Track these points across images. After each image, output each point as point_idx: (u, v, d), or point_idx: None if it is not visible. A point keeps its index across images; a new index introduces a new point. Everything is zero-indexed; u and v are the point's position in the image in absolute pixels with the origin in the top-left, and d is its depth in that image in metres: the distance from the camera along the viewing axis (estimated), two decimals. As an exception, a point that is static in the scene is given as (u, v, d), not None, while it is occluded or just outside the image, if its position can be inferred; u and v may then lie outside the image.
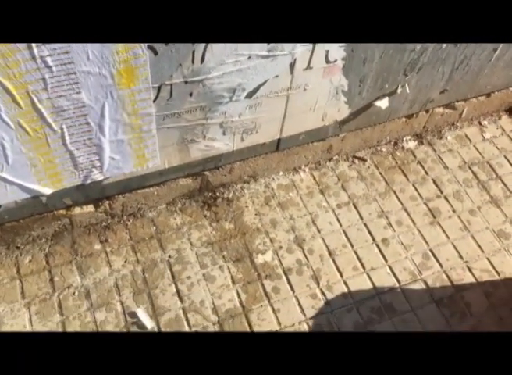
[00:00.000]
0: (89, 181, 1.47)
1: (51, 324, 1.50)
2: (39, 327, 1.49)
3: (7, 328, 1.48)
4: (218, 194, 1.82)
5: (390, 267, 1.72)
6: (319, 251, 1.73)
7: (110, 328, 1.51)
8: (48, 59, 1.07)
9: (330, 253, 1.73)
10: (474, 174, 1.98)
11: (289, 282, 1.66)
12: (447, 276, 1.71)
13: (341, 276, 1.68)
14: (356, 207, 1.85)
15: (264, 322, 1.57)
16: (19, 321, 1.50)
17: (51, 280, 1.58)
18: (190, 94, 1.37)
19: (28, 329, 1.49)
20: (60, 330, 1.50)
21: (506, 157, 2.04)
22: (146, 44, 1.16)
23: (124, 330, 1.51)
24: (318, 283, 1.66)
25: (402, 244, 1.77)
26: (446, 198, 1.91)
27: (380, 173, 1.95)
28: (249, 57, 1.34)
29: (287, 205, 1.83)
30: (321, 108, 1.67)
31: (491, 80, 1.96)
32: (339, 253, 1.73)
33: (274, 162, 1.84)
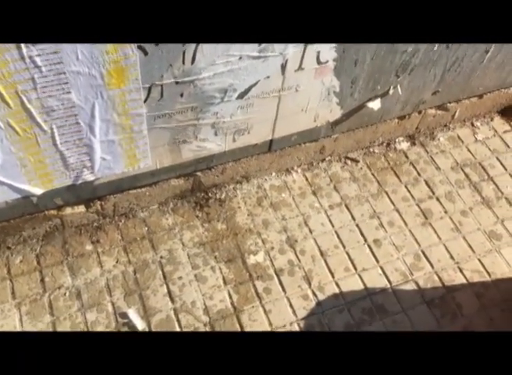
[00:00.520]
0: (80, 181, 1.46)
1: (41, 325, 1.50)
2: (29, 328, 1.49)
3: (-3, 329, 1.48)
4: (210, 194, 1.82)
5: (382, 268, 1.72)
6: (311, 252, 1.73)
7: (101, 329, 1.51)
8: (37, 59, 1.07)
9: (322, 254, 1.73)
10: (466, 175, 1.99)
11: (280, 283, 1.66)
12: (438, 277, 1.72)
13: (333, 277, 1.69)
14: (348, 208, 1.86)
15: (256, 323, 1.57)
16: (10, 321, 1.49)
17: (42, 280, 1.58)
18: (181, 95, 1.37)
19: (18, 329, 1.49)
20: (51, 330, 1.49)
21: (498, 158, 2.04)
22: (136, 45, 1.16)
23: (115, 331, 1.51)
24: (309, 284, 1.66)
25: (394, 244, 1.78)
26: (438, 199, 1.91)
27: (372, 174, 1.96)
28: (240, 58, 1.34)
29: (279, 206, 1.83)
30: (313, 109, 1.67)
31: (483, 82, 1.97)
32: (331, 254, 1.73)
33: (266, 162, 1.84)
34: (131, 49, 1.16)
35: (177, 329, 1.54)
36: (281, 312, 1.60)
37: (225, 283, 1.64)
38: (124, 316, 1.53)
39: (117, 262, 1.64)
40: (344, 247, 1.76)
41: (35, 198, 1.47)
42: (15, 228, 1.57)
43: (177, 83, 1.32)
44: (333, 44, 1.45)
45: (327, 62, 1.50)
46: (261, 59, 1.38)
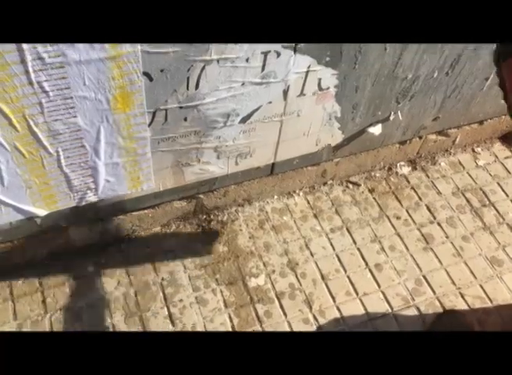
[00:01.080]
0: (84, 203, 1.48)
1: (41, 346, 1.50)
2: (29, 349, 1.49)
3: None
4: (212, 216, 1.83)
5: (383, 293, 1.72)
6: (312, 275, 1.73)
7: (100, 351, 1.51)
8: (45, 84, 1.10)
9: (323, 277, 1.73)
10: (468, 200, 2.00)
11: (281, 306, 1.65)
12: (440, 302, 1.71)
13: (334, 301, 1.68)
14: (349, 231, 1.86)
15: (256, 346, 1.56)
16: (10, 342, 1.49)
17: (44, 301, 1.58)
18: (185, 119, 1.39)
19: (18, 350, 1.48)
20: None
21: (499, 184, 2.06)
22: (141, 71, 1.19)
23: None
24: (310, 308, 1.66)
25: (395, 269, 1.78)
26: (439, 224, 1.92)
27: (374, 198, 1.97)
28: (243, 83, 1.37)
29: (281, 229, 1.84)
30: (315, 134, 1.69)
31: (483, 108, 1.99)
32: (332, 278, 1.73)
33: (268, 185, 1.86)
34: (136, 75, 1.19)
35: (177, 352, 1.53)
36: (281, 336, 1.59)
37: (225, 306, 1.64)
38: (124, 338, 1.53)
39: (118, 283, 1.64)
40: (345, 271, 1.76)
41: (39, 219, 1.49)
42: (18, 249, 1.58)
43: (181, 107, 1.35)
44: (335, 71, 1.48)
45: (328, 88, 1.53)
46: (264, 85, 1.41)
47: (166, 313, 1.60)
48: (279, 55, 1.34)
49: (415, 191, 2.01)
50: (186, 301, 1.63)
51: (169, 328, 1.57)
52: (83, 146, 1.30)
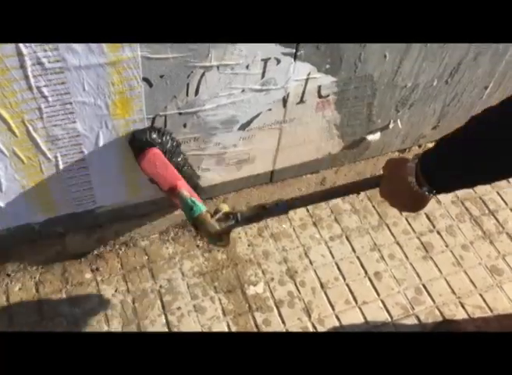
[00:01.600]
0: (82, 210, 1.47)
1: (37, 354, 1.48)
2: (25, 357, 1.47)
3: (-8, 357, 1.46)
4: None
5: (382, 301, 1.71)
6: (311, 283, 1.72)
7: (97, 359, 1.49)
8: (45, 89, 1.10)
9: (322, 286, 1.72)
10: (467, 209, 1.99)
11: (280, 314, 1.64)
12: (440, 311, 1.70)
13: (333, 309, 1.67)
14: (349, 240, 1.85)
15: (254, 355, 1.55)
16: (5, 350, 1.48)
17: (40, 308, 1.57)
18: (184, 126, 1.39)
19: (14, 358, 1.47)
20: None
21: (498, 193, 2.05)
22: (141, 76, 1.19)
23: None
24: (309, 317, 1.65)
25: (394, 278, 1.77)
26: (438, 233, 1.91)
27: (373, 206, 1.96)
28: (243, 90, 1.37)
29: (280, 237, 1.83)
30: (315, 141, 1.69)
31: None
32: (331, 286, 1.72)
33: (267, 193, 1.86)
34: (136, 81, 1.19)
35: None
36: (280, 344, 1.58)
37: (224, 314, 1.62)
38: (121, 346, 1.52)
39: (116, 291, 1.63)
40: (344, 279, 1.75)
41: (37, 226, 1.48)
42: (15, 255, 1.57)
43: (180, 114, 1.35)
44: (334, 79, 1.48)
45: (328, 95, 1.53)
46: (263, 92, 1.41)
47: (164, 321, 1.58)
48: (279, 62, 1.34)
49: (415, 200, 2.00)
50: (184, 309, 1.62)
51: (167, 336, 1.56)
52: (82, 152, 1.29)
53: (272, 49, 1.30)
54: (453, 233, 1.92)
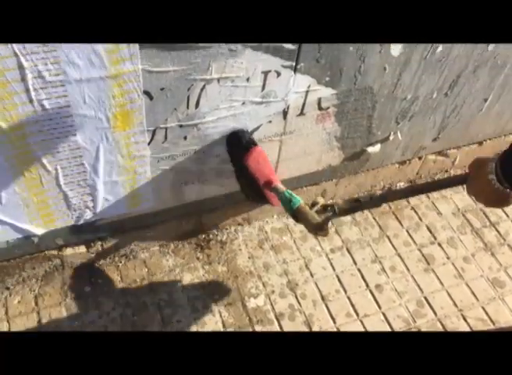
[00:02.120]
0: (82, 222, 1.47)
1: (35, 368, 1.47)
2: (23, 371, 1.46)
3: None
4: (211, 236, 1.82)
5: (384, 314, 1.70)
6: (312, 296, 1.71)
7: (96, 373, 1.47)
8: (45, 102, 1.10)
9: (323, 298, 1.71)
10: (468, 221, 1.99)
11: (280, 327, 1.63)
12: (442, 324, 1.69)
13: (334, 322, 1.66)
14: (349, 252, 1.85)
15: (255, 369, 1.53)
16: (4, 364, 1.46)
17: (40, 321, 1.56)
18: (185, 138, 1.39)
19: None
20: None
21: (499, 204, 2.05)
22: (142, 89, 1.19)
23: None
24: (310, 330, 1.63)
25: (396, 290, 1.76)
26: (439, 245, 1.90)
27: (374, 218, 1.96)
28: (243, 103, 1.38)
29: (280, 249, 1.82)
30: (315, 153, 1.69)
31: (483, 129, 2.00)
32: (332, 299, 1.71)
33: (267, 205, 1.85)
34: (137, 94, 1.20)
35: None
36: (281, 358, 1.56)
37: (224, 327, 1.61)
38: (120, 359, 1.50)
39: (116, 304, 1.62)
40: (345, 291, 1.74)
41: (36, 238, 1.47)
42: (14, 268, 1.56)
43: (181, 126, 1.35)
44: (334, 91, 1.48)
45: (328, 108, 1.54)
46: (264, 105, 1.42)
47: (164, 334, 1.57)
48: (279, 74, 1.34)
49: (415, 212, 2.00)
50: (184, 322, 1.60)
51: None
52: (82, 164, 1.29)
53: (272, 62, 1.30)
54: (455, 245, 1.91)
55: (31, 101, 1.08)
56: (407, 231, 1.93)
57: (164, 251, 1.76)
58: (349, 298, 1.72)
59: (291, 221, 1.89)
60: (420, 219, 1.98)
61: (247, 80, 1.32)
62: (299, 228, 1.89)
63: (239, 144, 1.44)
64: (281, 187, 1.45)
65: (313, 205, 1.37)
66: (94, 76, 1.10)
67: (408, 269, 1.82)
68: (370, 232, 1.91)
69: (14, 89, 1.04)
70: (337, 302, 1.71)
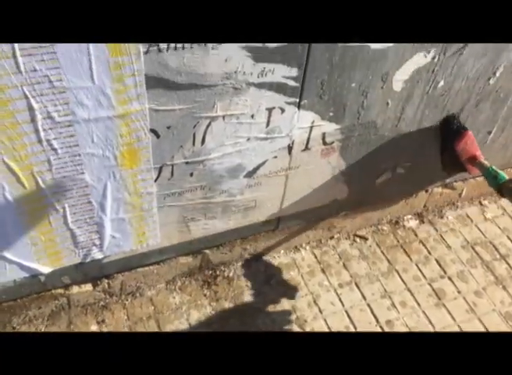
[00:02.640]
0: (88, 259, 1.47)
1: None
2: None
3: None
4: (218, 272, 1.80)
5: (395, 351, 1.65)
6: (321, 333, 1.68)
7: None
8: (54, 142, 1.12)
9: (332, 335, 1.68)
10: (478, 254, 1.96)
11: (290, 366, 1.59)
12: (455, 361, 1.64)
13: (344, 360, 1.62)
14: (358, 287, 1.82)
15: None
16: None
17: (44, 362, 1.53)
18: (191, 174, 1.40)
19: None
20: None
21: (508, 237, 2.03)
22: (149, 128, 1.21)
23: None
24: (320, 368, 1.59)
25: (407, 326, 1.72)
26: (450, 279, 1.87)
27: (382, 252, 1.94)
28: (248, 139, 1.39)
29: (288, 285, 1.80)
30: (321, 188, 1.70)
31: (488, 161, 2.00)
32: (342, 335, 1.68)
33: (275, 240, 1.85)
34: (144, 132, 1.22)
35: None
36: (290, 398, 1.52)
37: (232, 366, 1.58)
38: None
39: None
40: (355, 328, 1.70)
41: (43, 277, 1.47)
42: (21, 307, 1.55)
43: (187, 163, 1.37)
44: (338, 126, 1.50)
45: (333, 142, 1.55)
46: (269, 140, 1.43)
47: (170, 374, 1.54)
48: (283, 111, 1.37)
49: (424, 245, 1.98)
50: (191, 361, 1.57)
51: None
52: (90, 202, 1.30)
53: (276, 99, 1.33)
54: (465, 278, 1.88)
55: (40, 141, 1.10)
56: (417, 265, 1.91)
57: (170, 289, 1.75)
58: (359, 335, 1.69)
59: (298, 256, 1.89)
60: (429, 252, 1.96)
61: (252, 116, 1.34)
62: (306, 263, 1.87)
63: (452, 128, 1.66)
64: (486, 162, 1.63)
65: None
66: (102, 116, 1.13)
67: (419, 304, 1.79)
68: (379, 266, 1.89)
69: (24, 130, 1.07)
70: (347, 339, 1.67)
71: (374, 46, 1.33)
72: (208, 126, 1.30)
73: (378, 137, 1.61)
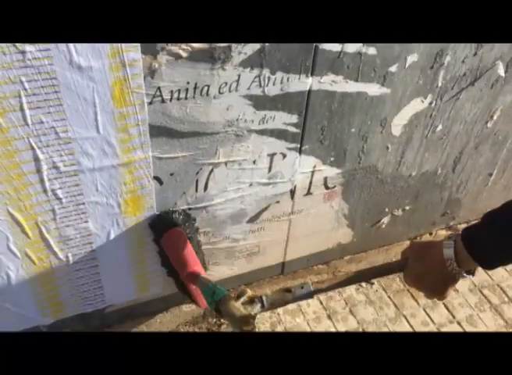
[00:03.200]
0: (91, 309, 1.45)
1: None
2: None
3: None
4: (222, 320, 1.77)
5: (406, 400, 1.60)
6: (329, 382, 1.63)
7: None
8: (59, 192, 1.13)
9: (341, 385, 1.62)
10: (486, 297, 1.93)
11: (297, 418, 1.53)
12: (469, 410, 1.58)
13: (354, 411, 1.56)
14: (366, 333, 1.78)
15: None
16: None
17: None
18: (194, 220, 1.41)
19: None
20: None
21: (516, 278, 2.00)
22: (152, 175, 1.23)
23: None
24: (329, 420, 1.54)
25: (417, 373, 1.67)
26: (459, 323, 1.83)
27: (389, 297, 1.91)
28: (250, 184, 1.41)
29: (294, 332, 1.76)
30: (324, 232, 1.70)
31: (490, 203, 2.00)
32: (351, 385, 1.62)
33: (279, 285, 1.82)
34: (147, 179, 1.23)
35: None
36: None
37: (237, 419, 1.52)
38: None
39: (124, 396, 1.55)
40: (364, 376, 1.65)
41: (45, 328, 1.44)
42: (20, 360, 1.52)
43: (190, 209, 1.37)
44: (340, 170, 1.52)
45: (335, 186, 1.56)
46: (271, 185, 1.45)
47: None
48: (284, 156, 1.39)
49: (431, 288, 1.95)
50: (195, 414, 1.52)
51: None
52: (93, 250, 1.30)
53: (278, 145, 1.35)
54: (474, 323, 1.84)
55: (45, 191, 1.12)
56: (424, 310, 1.87)
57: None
58: (368, 384, 1.63)
59: (303, 302, 1.86)
60: (436, 296, 1.92)
61: (254, 162, 1.36)
62: (312, 309, 1.84)
63: (158, 226, 1.32)
64: (205, 277, 1.28)
65: (239, 296, 1.22)
66: (107, 165, 1.15)
67: (428, 350, 1.74)
68: (386, 312, 1.86)
69: (29, 180, 1.08)
70: (356, 388, 1.62)
71: (371, 93, 1.36)
72: (210, 173, 1.32)
73: (380, 180, 1.62)
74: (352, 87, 1.32)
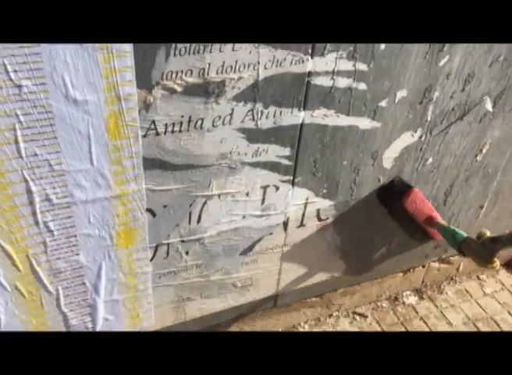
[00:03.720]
0: (80, 343, 1.42)
1: None
2: None
3: None
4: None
5: None
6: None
7: None
8: (51, 224, 1.13)
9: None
10: (479, 330, 1.92)
11: None
12: None
13: None
14: (360, 368, 1.75)
15: None
16: None
17: None
18: (187, 253, 1.40)
19: None
20: None
21: (509, 312, 1.99)
22: (145, 207, 1.23)
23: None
24: None
25: (413, 410, 1.64)
26: (454, 357, 1.81)
27: (382, 330, 1.89)
28: (243, 216, 1.41)
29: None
30: (317, 264, 1.69)
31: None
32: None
33: (272, 318, 1.80)
34: (140, 211, 1.23)
35: None
36: None
37: None
38: None
39: None
40: (359, 413, 1.62)
41: (32, 363, 1.41)
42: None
43: (183, 241, 1.37)
44: (332, 202, 1.52)
45: (327, 218, 1.57)
46: (264, 217, 1.45)
47: None
48: (277, 188, 1.39)
49: (425, 322, 1.93)
50: None
51: None
52: (84, 284, 1.29)
53: (271, 177, 1.36)
54: (469, 356, 1.82)
55: (37, 223, 1.11)
56: (418, 343, 1.85)
57: (165, 373, 1.67)
58: (363, 421, 1.60)
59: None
60: (430, 329, 1.91)
61: (247, 194, 1.36)
62: (305, 343, 1.82)
63: (396, 190, 1.56)
64: (443, 222, 1.55)
65: (478, 237, 1.40)
66: (100, 197, 1.15)
67: (424, 385, 1.71)
68: (379, 345, 1.83)
69: (21, 213, 1.08)
70: None
71: (362, 127, 1.39)
72: (203, 205, 1.32)
73: (372, 213, 1.63)
74: (343, 120, 1.35)
